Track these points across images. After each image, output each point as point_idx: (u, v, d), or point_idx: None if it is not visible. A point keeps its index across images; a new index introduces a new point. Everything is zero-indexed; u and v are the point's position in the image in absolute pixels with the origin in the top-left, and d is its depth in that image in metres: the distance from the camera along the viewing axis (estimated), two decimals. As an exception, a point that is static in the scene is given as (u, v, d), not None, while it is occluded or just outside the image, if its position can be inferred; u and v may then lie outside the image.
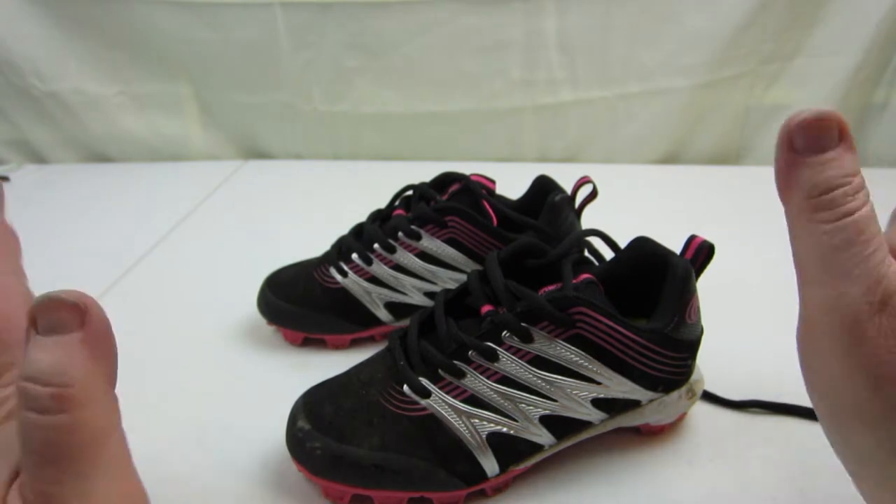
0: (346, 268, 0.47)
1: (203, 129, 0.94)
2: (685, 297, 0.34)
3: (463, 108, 0.87)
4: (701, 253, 0.35)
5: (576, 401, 0.33)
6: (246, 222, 0.73)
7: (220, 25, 0.83)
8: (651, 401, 0.35)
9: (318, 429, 0.33)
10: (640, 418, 0.37)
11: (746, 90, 0.83)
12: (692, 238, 0.35)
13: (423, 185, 0.49)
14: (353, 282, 0.46)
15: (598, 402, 0.34)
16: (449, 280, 0.46)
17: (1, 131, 0.92)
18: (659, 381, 0.35)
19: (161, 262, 0.64)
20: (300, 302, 0.47)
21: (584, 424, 0.35)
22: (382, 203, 0.51)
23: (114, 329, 0.20)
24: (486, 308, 0.34)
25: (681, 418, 0.39)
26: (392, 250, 0.46)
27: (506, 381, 0.33)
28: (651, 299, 0.35)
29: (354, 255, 0.47)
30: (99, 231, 0.71)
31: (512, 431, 0.33)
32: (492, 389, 0.33)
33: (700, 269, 0.35)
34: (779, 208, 0.30)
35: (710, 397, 0.41)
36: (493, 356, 0.33)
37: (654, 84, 0.83)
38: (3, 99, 0.89)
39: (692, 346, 0.36)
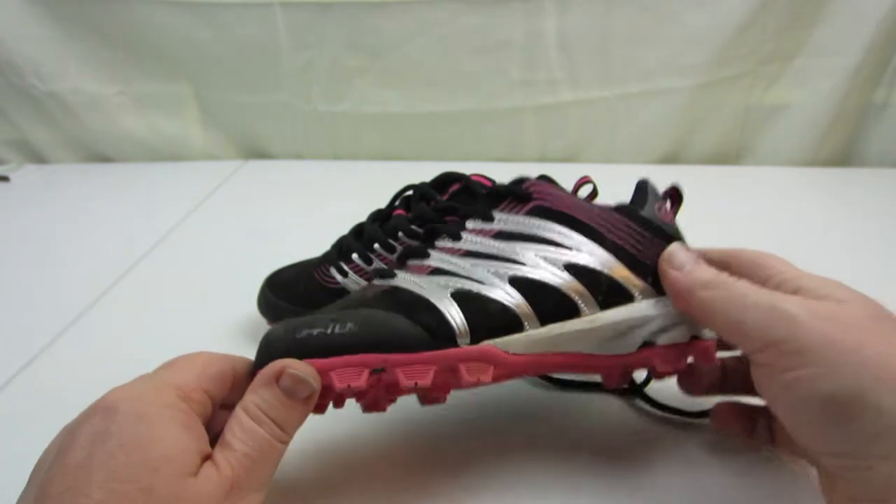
0: (346, 268, 0.47)
1: (203, 129, 0.94)
2: (651, 198, 0.34)
3: (463, 108, 0.87)
4: (669, 196, 0.36)
5: (546, 262, 0.32)
6: (246, 222, 0.73)
7: (220, 25, 0.83)
8: (645, 297, 0.32)
9: (285, 327, 0.30)
10: (639, 324, 0.32)
11: (746, 90, 0.83)
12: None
13: (423, 185, 0.49)
14: (353, 282, 0.46)
15: (573, 269, 0.32)
16: None
17: (1, 131, 0.92)
18: (646, 269, 0.33)
19: (161, 262, 0.64)
20: (300, 302, 0.47)
21: (567, 304, 0.32)
22: (382, 203, 0.51)
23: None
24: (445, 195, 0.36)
25: (704, 348, 0.33)
26: (392, 250, 0.46)
27: (469, 254, 0.32)
28: None
29: (355, 255, 0.47)
30: (99, 231, 0.71)
31: (479, 290, 0.31)
32: (455, 262, 0.32)
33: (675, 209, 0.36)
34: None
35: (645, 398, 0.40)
36: (456, 237, 0.33)
37: (654, 84, 0.83)
38: (3, 99, 0.89)
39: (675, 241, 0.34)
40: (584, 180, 0.41)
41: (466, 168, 0.50)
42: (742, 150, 0.88)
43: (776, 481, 0.34)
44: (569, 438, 0.38)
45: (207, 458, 0.26)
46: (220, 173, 0.88)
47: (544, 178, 0.36)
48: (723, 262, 0.32)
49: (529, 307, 0.31)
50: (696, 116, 0.85)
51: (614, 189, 0.39)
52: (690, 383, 0.36)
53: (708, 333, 0.33)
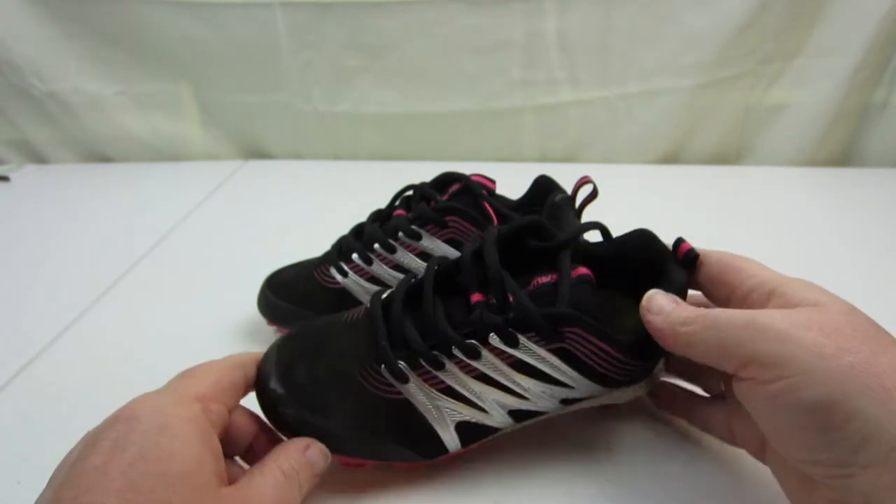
0: (346, 268, 0.47)
1: (203, 129, 0.94)
2: None
3: (463, 108, 0.87)
4: (687, 260, 0.34)
5: (545, 400, 0.34)
6: (246, 222, 0.73)
7: (220, 25, 0.83)
8: (611, 392, 0.35)
9: (291, 395, 0.33)
10: (599, 402, 0.36)
11: (746, 90, 0.83)
12: (680, 243, 0.34)
13: (423, 185, 0.49)
14: (353, 282, 0.46)
15: (567, 402, 0.34)
16: None
17: (1, 131, 0.92)
18: (622, 382, 0.35)
19: (161, 262, 0.64)
20: (300, 302, 0.47)
21: (545, 412, 0.35)
22: (382, 203, 0.51)
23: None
24: (475, 297, 0.34)
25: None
26: (392, 250, 0.46)
27: (483, 378, 0.33)
28: (639, 287, 0.35)
29: (355, 256, 0.47)
30: (99, 231, 0.71)
31: (480, 421, 0.34)
32: (468, 385, 0.33)
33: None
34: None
35: None
36: (475, 355, 0.33)
37: (654, 84, 0.83)
38: (3, 99, 0.89)
39: (659, 350, 0.35)
40: (585, 180, 0.41)
41: (466, 168, 0.50)
42: (742, 150, 0.88)
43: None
44: (570, 440, 0.38)
45: (221, 476, 0.27)
46: (220, 173, 0.88)
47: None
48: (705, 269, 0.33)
49: (514, 422, 0.34)
50: (696, 116, 0.85)
51: (614, 189, 0.39)
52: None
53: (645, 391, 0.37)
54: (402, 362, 0.33)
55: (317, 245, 0.51)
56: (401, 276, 0.46)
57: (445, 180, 0.49)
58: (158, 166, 0.93)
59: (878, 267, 0.58)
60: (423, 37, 0.83)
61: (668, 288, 0.33)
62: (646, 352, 0.34)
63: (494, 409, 0.33)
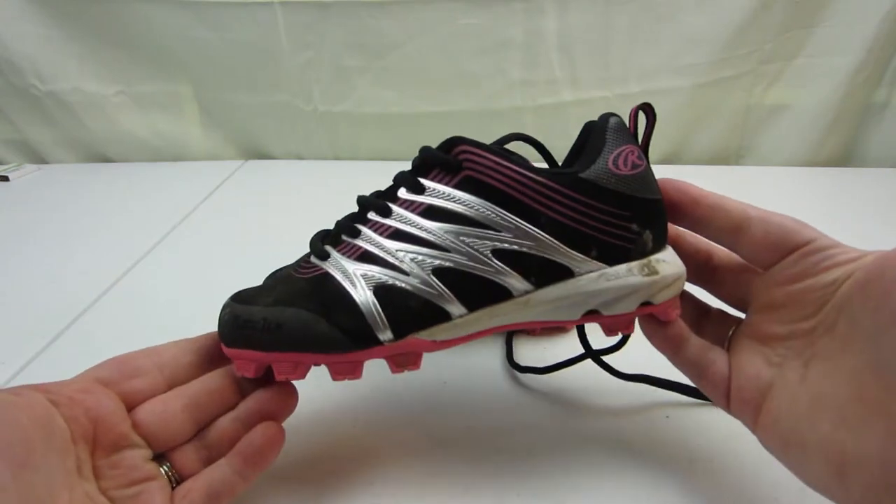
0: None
1: (203, 129, 0.94)
2: (609, 142, 0.30)
3: (463, 108, 0.87)
4: (646, 118, 0.32)
5: (473, 251, 0.30)
6: (246, 222, 0.73)
7: (220, 25, 0.83)
8: (588, 272, 0.30)
9: (234, 299, 0.33)
10: (580, 298, 0.31)
11: (746, 90, 0.83)
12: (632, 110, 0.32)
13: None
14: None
15: (502, 255, 0.30)
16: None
17: (1, 131, 0.92)
18: (589, 241, 0.30)
19: (161, 262, 0.64)
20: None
21: (498, 291, 0.30)
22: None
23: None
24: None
25: (654, 313, 0.32)
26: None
27: (396, 234, 0.31)
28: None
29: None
30: (99, 231, 0.71)
31: (402, 285, 0.30)
32: (382, 245, 0.31)
33: (648, 132, 0.32)
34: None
35: (603, 364, 0.39)
36: (386, 212, 0.31)
37: (654, 84, 0.83)
38: (3, 99, 0.89)
39: (635, 206, 0.30)
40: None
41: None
42: (742, 150, 0.88)
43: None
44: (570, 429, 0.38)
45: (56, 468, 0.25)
46: (220, 173, 0.88)
47: (593, 123, 0.32)
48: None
49: (455, 297, 0.30)
50: (696, 116, 0.85)
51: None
52: (652, 336, 0.33)
53: (660, 298, 0.31)
54: (327, 246, 0.32)
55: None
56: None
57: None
58: (158, 166, 0.93)
59: (879, 267, 0.58)
60: (423, 37, 0.83)
61: (596, 129, 0.31)
62: (584, 186, 0.29)
63: (413, 269, 0.30)
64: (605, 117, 0.31)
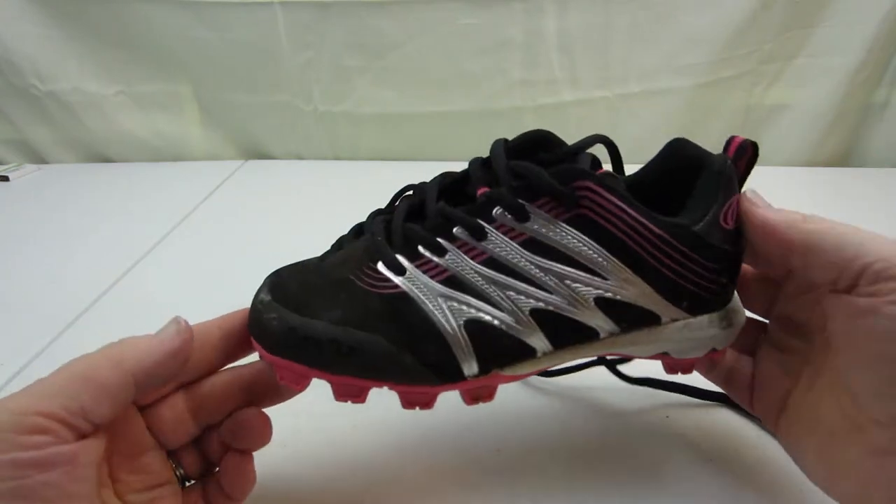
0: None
1: (203, 129, 0.94)
2: (721, 195, 0.28)
3: (463, 108, 0.87)
4: (743, 153, 0.29)
5: (576, 296, 0.28)
6: (246, 222, 0.73)
7: (220, 25, 0.83)
8: (673, 320, 0.29)
9: (278, 300, 0.29)
10: (659, 343, 0.30)
11: (747, 90, 0.83)
12: (732, 138, 0.30)
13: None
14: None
15: (603, 303, 0.28)
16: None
17: (1, 131, 0.92)
18: (683, 293, 0.29)
19: (161, 262, 0.64)
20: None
21: (587, 332, 0.29)
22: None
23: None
24: (482, 190, 0.29)
25: (713, 357, 0.32)
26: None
27: (492, 263, 0.28)
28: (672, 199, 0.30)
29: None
30: (99, 231, 0.71)
31: (495, 322, 0.28)
32: (475, 271, 0.28)
33: (745, 172, 0.30)
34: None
35: (614, 370, 0.40)
36: (480, 234, 0.28)
37: (654, 84, 0.83)
38: (3, 99, 0.89)
39: (728, 259, 0.29)
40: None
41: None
42: (742, 150, 0.88)
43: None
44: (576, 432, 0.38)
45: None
46: (220, 173, 0.88)
47: (681, 141, 0.31)
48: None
49: (545, 336, 0.28)
50: (696, 116, 0.85)
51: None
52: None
53: (725, 343, 0.31)
54: (399, 255, 0.28)
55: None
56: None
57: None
58: (158, 166, 0.93)
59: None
60: (423, 37, 0.83)
61: (707, 175, 0.29)
62: (694, 241, 0.28)
63: (510, 306, 0.28)
64: (723, 161, 0.29)
